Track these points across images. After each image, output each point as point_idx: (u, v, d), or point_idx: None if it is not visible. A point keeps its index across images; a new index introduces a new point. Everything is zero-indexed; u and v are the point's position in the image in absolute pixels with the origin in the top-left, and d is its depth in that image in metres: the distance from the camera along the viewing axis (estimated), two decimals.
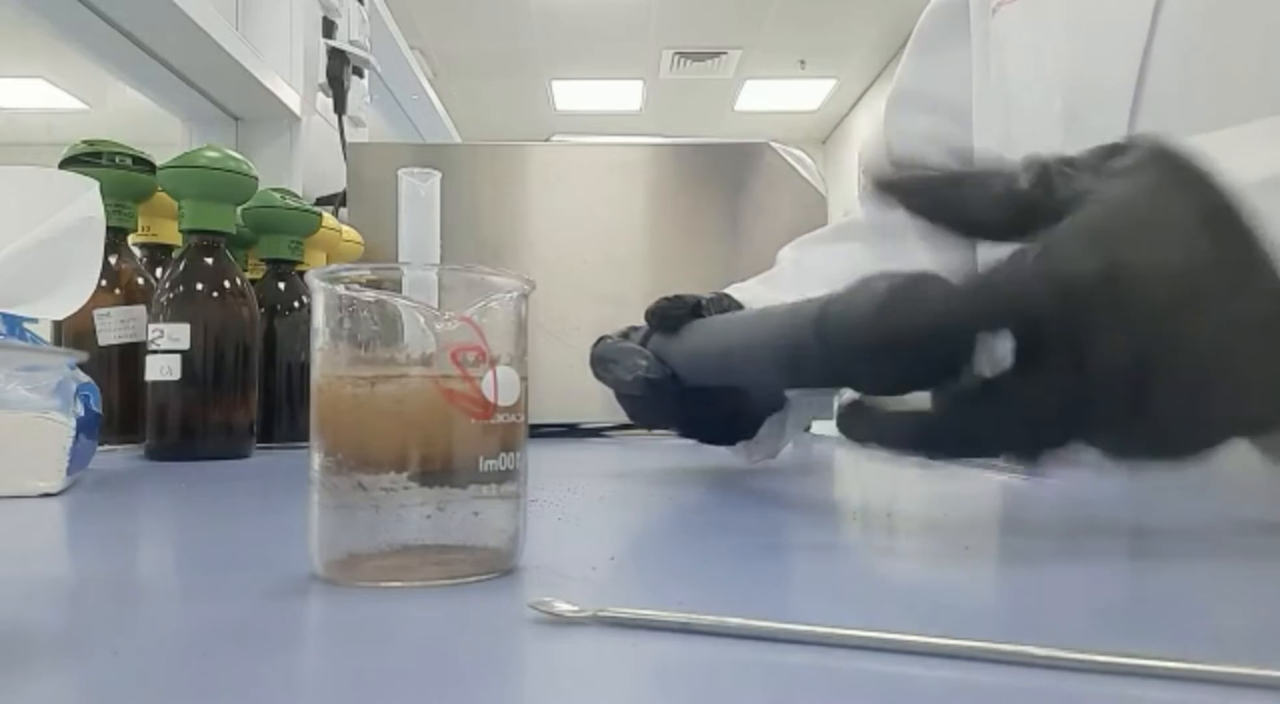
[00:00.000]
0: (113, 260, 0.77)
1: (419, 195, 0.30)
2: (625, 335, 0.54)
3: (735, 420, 0.55)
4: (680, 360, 0.49)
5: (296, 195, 0.89)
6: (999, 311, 0.29)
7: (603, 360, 0.52)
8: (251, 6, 1.37)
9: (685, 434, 0.57)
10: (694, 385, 0.49)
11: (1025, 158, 0.32)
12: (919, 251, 0.73)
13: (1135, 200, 0.30)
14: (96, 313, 0.76)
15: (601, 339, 0.55)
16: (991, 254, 0.31)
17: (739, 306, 0.53)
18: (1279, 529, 0.39)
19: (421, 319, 0.26)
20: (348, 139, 1.44)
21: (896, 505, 0.52)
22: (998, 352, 0.30)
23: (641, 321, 0.54)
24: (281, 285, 0.85)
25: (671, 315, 0.50)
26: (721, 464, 0.63)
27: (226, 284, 0.72)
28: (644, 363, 0.49)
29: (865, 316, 0.31)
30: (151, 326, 0.69)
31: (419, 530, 0.26)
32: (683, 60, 5.11)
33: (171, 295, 0.69)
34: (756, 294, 0.57)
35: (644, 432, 1.09)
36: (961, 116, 0.75)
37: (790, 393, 0.56)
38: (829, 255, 0.68)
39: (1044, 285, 0.28)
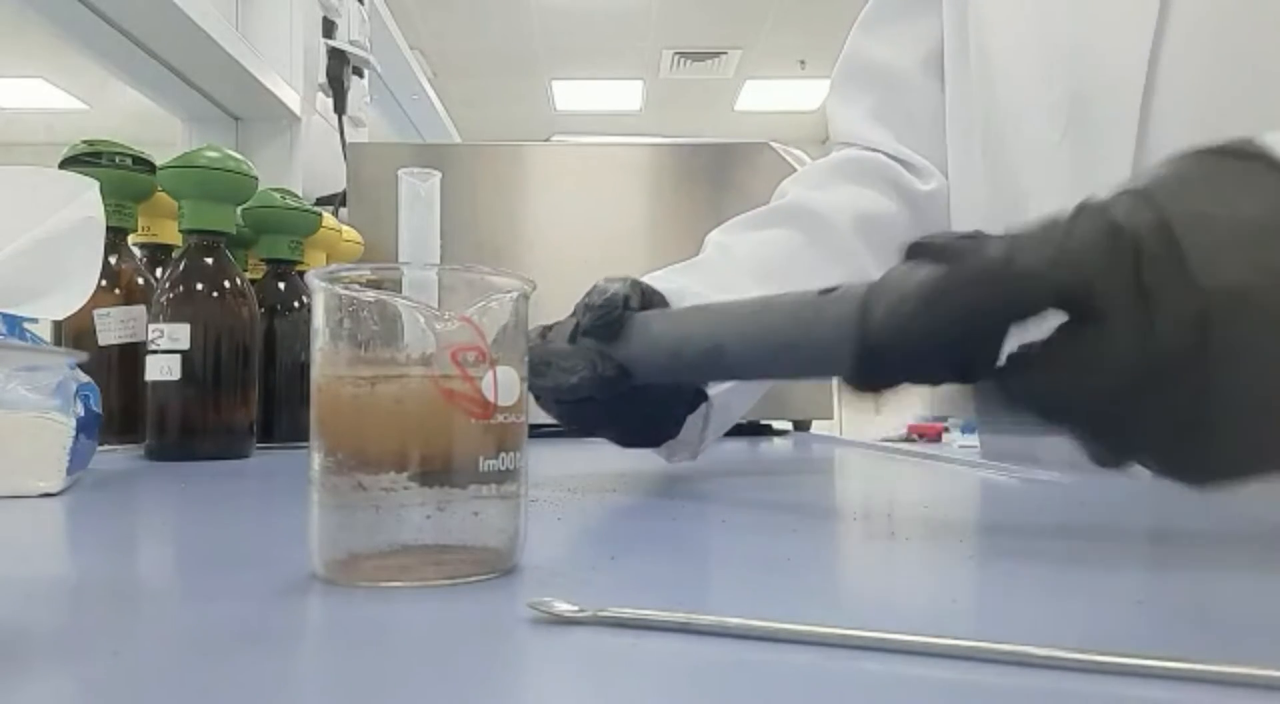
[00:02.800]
0: (113, 260, 0.77)
1: (419, 195, 0.30)
2: (542, 336, 0.52)
3: (661, 421, 0.54)
4: (635, 358, 0.47)
5: (296, 195, 0.89)
6: (1059, 279, 0.29)
7: (534, 363, 0.48)
8: (251, 6, 1.37)
9: (618, 437, 0.55)
10: (644, 382, 0.48)
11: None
12: (852, 239, 0.72)
13: (1186, 169, 0.29)
14: (96, 313, 0.76)
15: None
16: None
17: (661, 297, 0.52)
18: None
19: (421, 319, 0.26)
20: (348, 139, 1.43)
21: (897, 506, 0.52)
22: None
23: (551, 319, 0.52)
24: (281, 285, 0.85)
25: (614, 320, 0.48)
26: (722, 465, 0.63)
27: (226, 284, 0.72)
28: (590, 362, 0.47)
29: (918, 303, 0.31)
30: (151, 327, 0.69)
31: (419, 530, 0.26)
32: (683, 60, 5.10)
33: (171, 295, 0.69)
34: (683, 284, 0.55)
35: None
36: (913, 95, 0.73)
37: (712, 391, 0.55)
38: (759, 241, 0.65)
39: (1102, 242, 0.28)
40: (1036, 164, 0.60)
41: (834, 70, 0.79)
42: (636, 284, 0.51)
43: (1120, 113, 0.54)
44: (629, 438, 0.55)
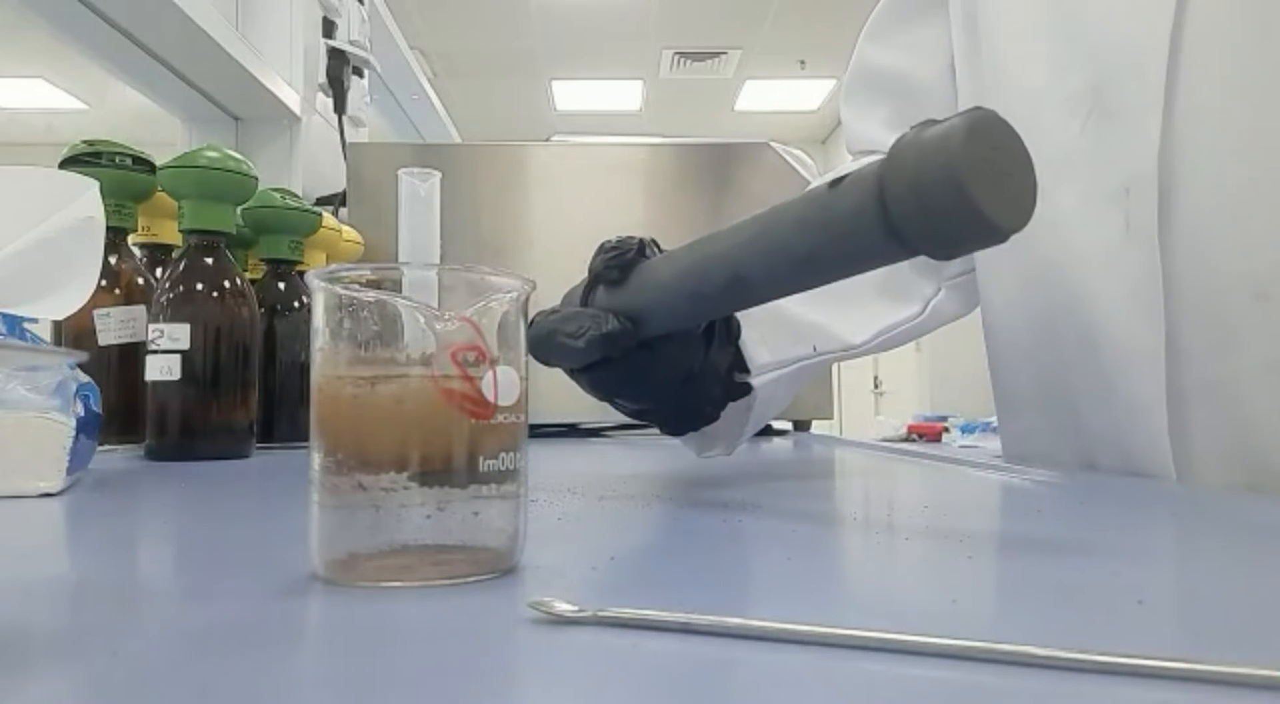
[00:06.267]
0: (113, 260, 0.77)
1: (419, 195, 0.30)
2: (554, 311, 0.48)
3: (697, 400, 0.50)
4: (649, 306, 0.43)
5: (296, 195, 0.89)
6: None
7: (543, 337, 0.45)
8: (251, 6, 1.37)
9: (650, 412, 0.50)
10: (658, 332, 0.44)
11: None
12: None
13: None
14: (96, 313, 0.76)
15: (534, 319, 0.47)
16: None
17: None
18: None
19: (421, 319, 0.26)
20: (348, 139, 1.44)
21: (897, 506, 0.52)
22: None
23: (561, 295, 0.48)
24: (281, 285, 0.85)
25: (623, 262, 0.44)
26: (721, 465, 0.63)
27: (226, 284, 0.72)
28: (594, 320, 0.44)
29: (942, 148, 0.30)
30: (151, 326, 0.69)
31: (419, 530, 0.26)
32: (683, 60, 5.11)
33: (171, 295, 0.69)
34: None
35: (644, 431, 1.09)
36: (927, 99, 0.71)
37: (756, 382, 0.53)
38: None
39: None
40: (1055, 157, 0.59)
41: (845, 80, 0.77)
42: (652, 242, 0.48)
43: (1144, 98, 0.53)
44: (666, 417, 0.51)
